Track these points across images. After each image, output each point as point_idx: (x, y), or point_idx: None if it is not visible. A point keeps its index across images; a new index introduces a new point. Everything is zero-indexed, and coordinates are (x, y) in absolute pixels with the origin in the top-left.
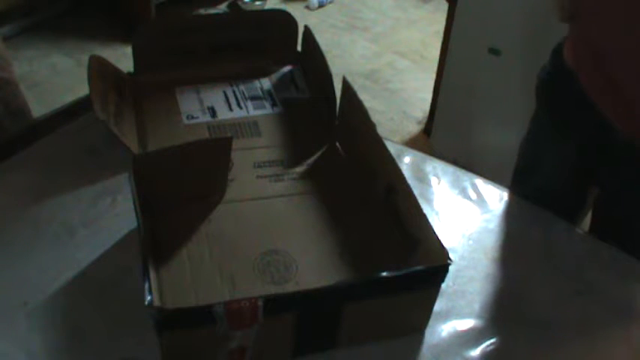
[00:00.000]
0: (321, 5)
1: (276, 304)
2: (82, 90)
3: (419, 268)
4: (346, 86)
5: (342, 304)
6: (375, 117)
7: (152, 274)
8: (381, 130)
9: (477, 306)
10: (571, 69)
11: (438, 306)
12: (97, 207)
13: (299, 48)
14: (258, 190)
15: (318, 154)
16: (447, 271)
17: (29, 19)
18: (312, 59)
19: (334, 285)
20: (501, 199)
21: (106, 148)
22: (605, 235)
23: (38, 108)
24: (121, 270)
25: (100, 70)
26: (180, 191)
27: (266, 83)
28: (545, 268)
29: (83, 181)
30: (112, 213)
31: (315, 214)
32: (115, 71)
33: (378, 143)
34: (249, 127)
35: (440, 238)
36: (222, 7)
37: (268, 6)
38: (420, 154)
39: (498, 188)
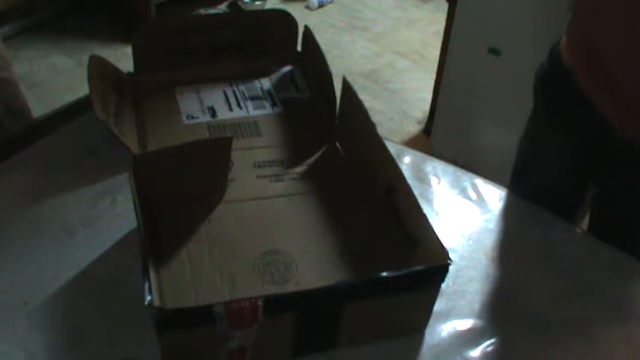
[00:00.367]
0: (321, 5)
1: (276, 304)
2: (82, 90)
3: (419, 268)
4: (346, 86)
5: (342, 304)
6: (375, 117)
7: (152, 274)
8: (381, 130)
9: (477, 306)
10: (569, 67)
11: (438, 306)
12: (97, 207)
13: (299, 48)
14: (258, 190)
15: (318, 154)
16: (447, 271)
17: (29, 19)
18: (312, 59)
19: (334, 285)
20: (501, 199)
21: (106, 148)
22: (605, 235)
23: (38, 108)
24: (121, 270)
25: (100, 70)
26: (180, 191)
27: (266, 83)
28: (545, 268)
29: (83, 181)
30: (112, 213)
31: (315, 214)
32: (115, 71)
33: (378, 143)
34: (249, 127)
35: (440, 238)
36: (222, 7)
37: (268, 6)
38: (420, 154)
39: (498, 188)
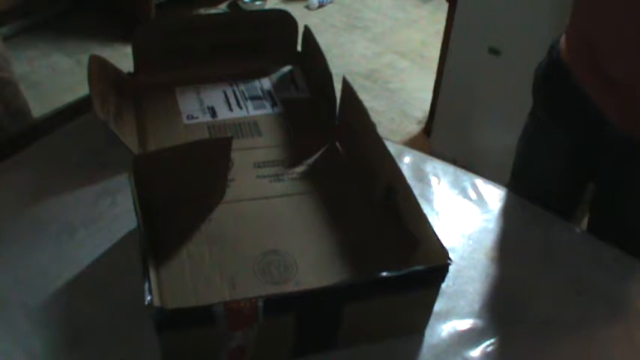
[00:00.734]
0: (321, 5)
1: (276, 304)
2: (82, 90)
3: (419, 268)
4: (346, 86)
5: (342, 304)
6: (375, 117)
7: (152, 274)
8: (381, 130)
9: (477, 306)
10: (568, 65)
11: (438, 306)
12: (97, 207)
13: (299, 48)
14: (258, 190)
15: (318, 154)
16: (447, 271)
17: (29, 19)
18: (312, 59)
19: (334, 285)
20: (501, 199)
21: (106, 148)
22: (605, 235)
23: (38, 108)
24: (121, 270)
25: (100, 70)
26: (180, 191)
27: (266, 83)
28: (545, 268)
29: (83, 181)
30: (112, 213)
31: (315, 214)
32: (115, 71)
33: (378, 143)
34: (249, 127)
35: (440, 238)
36: (222, 7)
37: (268, 6)
38: (420, 154)
39: (498, 188)
